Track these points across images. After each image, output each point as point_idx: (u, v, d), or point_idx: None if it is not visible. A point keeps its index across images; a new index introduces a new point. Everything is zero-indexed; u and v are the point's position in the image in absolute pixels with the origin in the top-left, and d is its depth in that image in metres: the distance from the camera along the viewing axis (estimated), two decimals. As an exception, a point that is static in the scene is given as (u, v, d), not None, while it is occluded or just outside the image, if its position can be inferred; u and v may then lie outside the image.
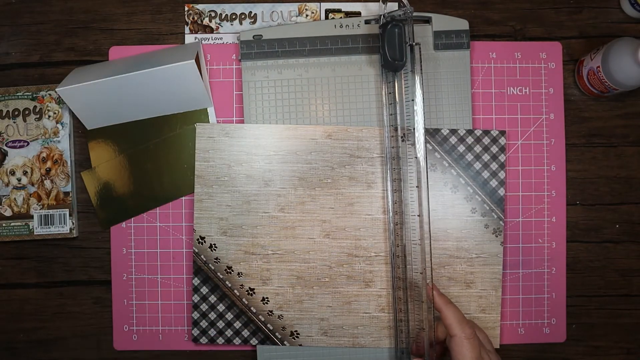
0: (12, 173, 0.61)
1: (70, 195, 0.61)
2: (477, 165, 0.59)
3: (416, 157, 0.55)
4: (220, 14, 0.62)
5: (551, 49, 0.62)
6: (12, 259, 0.62)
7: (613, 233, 0.62)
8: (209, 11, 0.62)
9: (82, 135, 0.62)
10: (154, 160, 0.61)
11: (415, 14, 0.61)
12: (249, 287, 0.59)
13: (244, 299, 0.59)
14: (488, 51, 0.62)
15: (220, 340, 0.59)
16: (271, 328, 0.59)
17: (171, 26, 0.63)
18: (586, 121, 0.63)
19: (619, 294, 0.63)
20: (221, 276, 0.59)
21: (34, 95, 0.61)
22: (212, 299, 0.59)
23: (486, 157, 0.59)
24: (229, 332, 0.59)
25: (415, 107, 0.55)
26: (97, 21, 0.63)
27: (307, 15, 0.62)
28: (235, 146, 0.59)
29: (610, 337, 0.63)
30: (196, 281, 0.59)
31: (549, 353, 0.62)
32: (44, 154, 0.61)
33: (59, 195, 0.61)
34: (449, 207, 0.59)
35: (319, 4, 0.62)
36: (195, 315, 0.59)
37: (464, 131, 0.60)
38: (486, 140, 0.60)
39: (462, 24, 0.60)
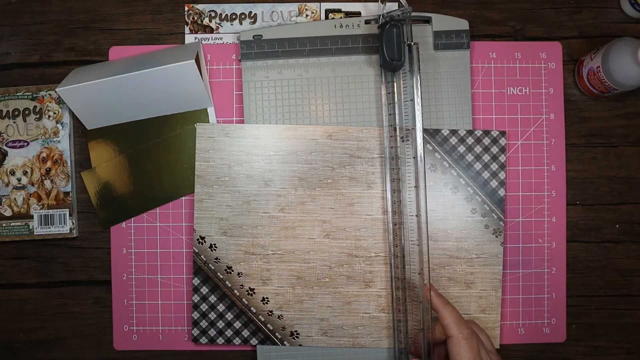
0: (12, 173, 0.61)
1: (70, 195, 0.61)
2: (478, 166, 0.59)
3: (414, 157, 0.55)
4: (220, 14, 0.62)
5: (551, 49, 0.62)
6: (12, 259, 0.62)
7: (613, 233, 0.62)
8: (209, 11, 0.62)
9: (82, 135, 0.62)
10: (154, 160, 0.61)
11: (415, 14, 0.61)
12: (249, 287, 0.59)
13: (244, 299, 0.59)
14: (488, 51, 0.62)
15: (220, 340, 0.59)
16: (271, 328, 0.59)
17: (171, 26, 0.63)
18: (586, 121, 0.63)
19: (619, 294, 0.63)
20: (221, 276, 0.59)
21: (34, 95, 0.61)
22: (212, 299, 0.59)
23: (486, 157, 0.59)
24: (229, 332, 0.59)
25: (413, 107, 0.55)
26: (97, 21, 0.63)
27: (307, 15, 0.62)
28: (236, 146, 0.59)
29: (610, 337, 0.63)
30: (196, 281, 0.59)
31: (549, 353, 0.62)
32: (44, 154, 0.61)
33: (59, 195, 0.61)
34: (449, 208, 0.59)
35: (319, 4, 0.62)
36: (195, 315, 0.59)
37: (464, 132, 0.60)
38: (486, 141, 0.60)
39: (462, 24, 0.60)
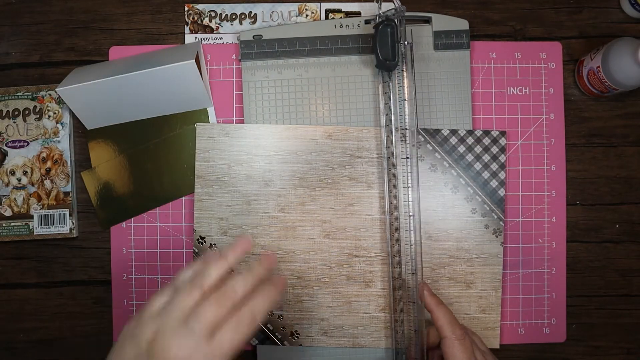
0: (12, 173, 0.61)
1: (70, 195, 0.61)
2: (478, 166, 0.59)
3: (407, 158, 0.55)
4: (220, 14, 0.62)
5: (551, 49, 0.62)
6: (12, 259, 0.62)
7: (613, 233, 0.62)
8: (209, 11, 0.62)
9: (82, 135, 0.62)
10: (154, 160, 0.61)
11: (415, 14, 0.61)
12: None
13: (244, 299, 0.59)
14: (488, 51, 0.62)
15: (220, 340, 0.59)
16: (271, 328, 0.59)
17: (171, 26, 0.63)
18: (586, 121, 0.63)
19: (619, 294, 0.63)
20: (221, 276, 0.59)
21: (34, 95, 0.61)
22: (212, 299, 0.59)
23: (486, 157, 0.59)
24: (229, 332, 0.59)
25: (404, 107, 0.55)
26: (97, 21, 0.63)
27: (307, 15, 0.62)
28: (236, 146, 0.59)
29: (610, 337, 0.63)
30: (196, 281, 0.59)
31: (549, 353, 0.62)
32: (44, 154, 0.61)
33: (59, 195, 0.61)
34: (449, 208, 0.59)
35: (319, 4, 0.62)
36: (196, 315, 0.59)
37: (465, 132, 0.60)
38: (486, 141, 0.60)
39: (462, 24, 0.60)
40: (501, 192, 0.59)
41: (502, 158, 0.60)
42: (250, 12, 0.62)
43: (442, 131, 0.60)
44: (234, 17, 0.62)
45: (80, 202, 0.62)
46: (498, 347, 0.60)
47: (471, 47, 0.61)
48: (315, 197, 0.59)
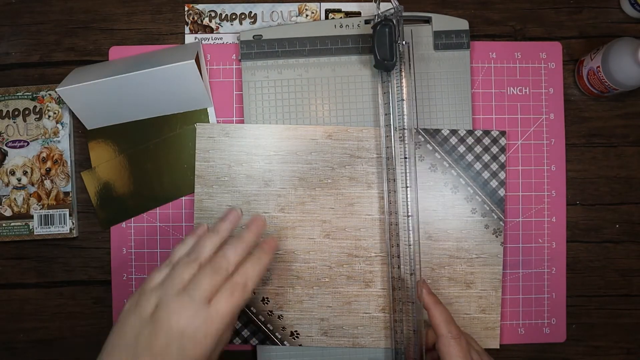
0: (12, 173, 0.61)
1: (70, 195, 0.61)
2: (478, 166, 0.59)
3: (405, 158, 0.55)
4: (220, 14, 0.62)
5: (551, 49, 0.62)
6: (12, 259, 0.62)
7: (613, 233, 0.62)
8: (209, 11, 0.62)
9: (82, 135, 0.62)
10: (154, 160, 0.61)
11: (415, 14, 0.61)
12: None
13: (243, 299, 0.59)
14: (488, 51, 0.62)
15: (220, 340, 0.59)
16: (271, 328, 0.59)
17: (171, 26, 0.63)
18: (586, 121, 0.63)
19: (619, 294, 0.63)
20: (221, 276, 0.59)
21: (34, 95, 0.61)
22: (212, 299, 0.59)
23: (486, 157, 0.59)
24: (229, 332, 0.59)
25: (402, 107, 0.55)
26: (97, 21, 0.63)
27: (307, 15, 0.62)
28: (235, 146, 0.59)
29: (610, 337, 0.63)
30: (196, 281, 0.59)
31: (549, 353, 0.62)
32: (44, 154, 0.61)
33: (59, 195, 0.61)
34: (449, 208, 0.59)
35: (319, 4, 0.62)
36: (195, 315, 0.59)
37: (465, 132, 0.60)
38: (486, 141, 0.60)
39: (462, 24, 0.60)
40: (501, 192, 0.59)
41: (502, 158, 0.60)
42: (250, 12, 0.62)
43: (442, 131, 0.60)
44: (234, 17, 0.62)
45: (80, 202, 0.62)
46: (498, 347, 0.60)
47: (471, 47, 0.61)
48: (315, 197, 0.59)
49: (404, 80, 0.55)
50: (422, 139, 0.59)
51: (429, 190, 0.59)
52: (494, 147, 0.60)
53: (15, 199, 0.61)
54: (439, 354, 0.51)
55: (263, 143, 0.59)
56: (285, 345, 0.59)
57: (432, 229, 0.59)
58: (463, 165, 0.59)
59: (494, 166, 0.59)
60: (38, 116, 0.61)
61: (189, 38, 0.62)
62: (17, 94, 0.61)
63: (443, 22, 0.60)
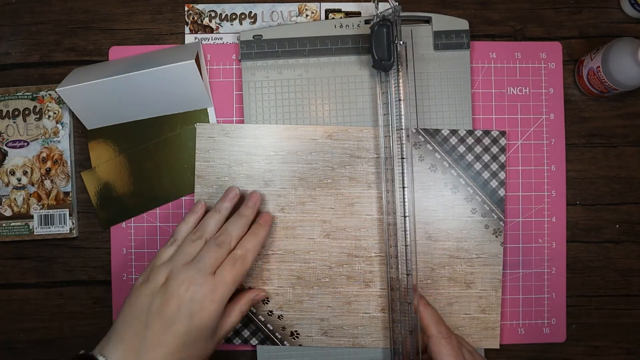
0: (12, 173, 0.61)
1: (70, 195, 0.61)
2: (478, 166, 0.59)
3: (402, 158, 0.55)
4: (220, 14, 0.62)
5: (551, 49, 0.62)
6: (12, 259, 0.62)
7: (613, 233, 0.62)
8: (209, 11, 0.62)
9: (82, 135, 0.62)
10: (154, 160, 0.61)
11: (415, 14, 0.61)
12: (249, 287, 0.59)
13: (243, 299, 0.59)
14: (488, 51, 0.62)
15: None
16: (271, 328, 0.59)
17: (171, 26, 0.63)
18: (586, 121, 0.63)
19: (619, 294, 0.63)
20: (221, 276, 0.59)
21: (34, 95, 0.61)
22: (212, 299, 0.59)
23: (486, 157, 0.59)
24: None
25: (400, 107, 0.55)
26: (97, 21, 0.63)
27: (307, 15, 0.62)
28: (236, 146, 0.59)
29: (610, 337, 0.63)
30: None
31: (549, 353, 0.62)
32: (44, 154, 0.61)
33: (59, 195, 0.61)
34: (449, 208, 0.59)
35: (319, 4, 0.62)
36: (195, 315, 0.59)
37: (465, 132, 0.60)
38: (486, 141, 0.60)
39: (462, 24, 0.60)
40: (501, 192, 0.59)
41: (502, 158, 0.60)
42: (250, 12, 0.62)
43: (442, 131, 0.60)
44: (234, 17, 0.62)
45: (80, 202, 0.62)
46: (498, 347, 0.60)
47: (471, 47, 0.61)
48: (315, 197, 0.59)
49: (401, 81, 0.55)
50: (422, 139, 0.59)
51: (429, 190, 0.59)
52: (494, 147, 0.60)
53: (15, 199, 0.61)
54: (431, 354, 0.52)
55: (263, 143, 0.59)
56: (285, 345, 0.59)
57: (432, 229, 0.59)
58: (463, 166, 0.59)
59: (494, 166, 0.59)
60: (38, 116, 0.61)
61: (189, 38, 0.62)
62: (17, 94, 0.61)
63: (443, 22, 0.60)
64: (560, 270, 0.61)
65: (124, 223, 0.61)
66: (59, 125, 0.61)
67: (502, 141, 0.60)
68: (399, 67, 0.55)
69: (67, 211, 0.61)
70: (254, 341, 0.59)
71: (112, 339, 0.47)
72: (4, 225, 0.61)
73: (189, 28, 0.62)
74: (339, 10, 0.62)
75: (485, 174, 0.59)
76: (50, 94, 0.61)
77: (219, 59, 0.62)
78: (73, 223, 0.61)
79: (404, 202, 0.55)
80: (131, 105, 0.59)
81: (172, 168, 0.61)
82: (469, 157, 0.59)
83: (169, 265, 0.50)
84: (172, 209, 0.61)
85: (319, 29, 0.60)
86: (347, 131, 0.59)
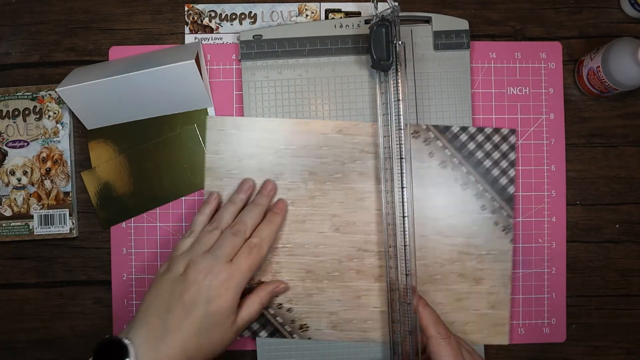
0: (12, 173, 0.61)
1: (70, 195, 0.61)
2: (487, 163, 0.59)
3: (401, 158, 0.55)
4: (220, 14, 0.62)
5: (551, 49, 0.62)
6: (12, 259, 0.62)
7: (613, 233, 0.63)
8: (209, 11, 0.62)
9: (82, 135, 0.62)
10: (154, 160, 0.61)
11: (414, 14, 0.61)
12: (259, 280, 0.59)
13: (253, 292, 0.59)
14: (488, 51, 0.62)
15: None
16: (280, 321, 0.59)
17: (171, 26, 0.63)
18: (586, 121, 0.63)
19: (619, 294, 0.63)
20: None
21: (34, 95, 0.61)
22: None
23: (496, 154, 0.59)
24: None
25: (398, 107, 0.55)
26: (97, 21, 0.63)
27: (307, 15, 0.62)
28: (246, 139, 0.59)
29: (610, 337, 0.63)
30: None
31: (549, 353, 0.62)
32: (44, 154, 0.61)
33: (59, 195, 0.61)
34: (459, 204, 0.59)
35: (319, 4, 0.62)
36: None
37: (474, 129, 0.60)
38: (496, 138, 0.60)
39: (462, 24, 0.60)
40: (510, 189, 0.59)
41: (512, 156, 0.60)
42: (250, 12, 0.62)
43: (452, 128, 0.60)
44: (234, 17, 0.62)
45: (80, 202, 0.62)
46: (507, 342, 0.60)
47: (471, 47, 0.61)
48: (326, 191, 0.59)
49: (400, 81, 0.55)
50: (432, 136, 0.59)
51: (439, 186, 0.59)
52: (504, 144, 0.60)
53: (15, 199, 0.61)
54: (430, 355, 0.52)
55: (273, 136, 0.59)
56: (294, 338, 0.59)
57: (442, 225, 0.59)
58: (473, 162, 0.59)
59: (504, 163, 0.59)
60: (38, 116, 0.61)
61: (189, 38, 0.62)
62: (17, 94, 0.61)
63: (443, 22, 0.60)
64: (560, 270, 0.61)
65: (124, 223, 0.61)
66: (59, 125, 0.61)
67: (512, 139, 0.60)
68: (398, 67, 0.55)
69: (67, 211, 0.61)
70: (263, 334, 0.59)
71: (135, 324, 0.48)
72: (4, 225, 0.61)
73: (189, 28, 0.62)
74: (338, 10, 0.62)
75: (495, 171, 0.59)
76: (50, 94, 0.61)
77: (219, 59, 0.62)
78: (73, 223, 0.61)
79: (402, 202, 0.55)
80: (131, 105, 0.59)
81: (172, 168, 0.61)
82: (479, 154, 0.59)
83: (188, 255, 0.52)
84: (172, 209, 0.61)
85: (319, 29, 0.60)
86: (357, 126, 0.59)
